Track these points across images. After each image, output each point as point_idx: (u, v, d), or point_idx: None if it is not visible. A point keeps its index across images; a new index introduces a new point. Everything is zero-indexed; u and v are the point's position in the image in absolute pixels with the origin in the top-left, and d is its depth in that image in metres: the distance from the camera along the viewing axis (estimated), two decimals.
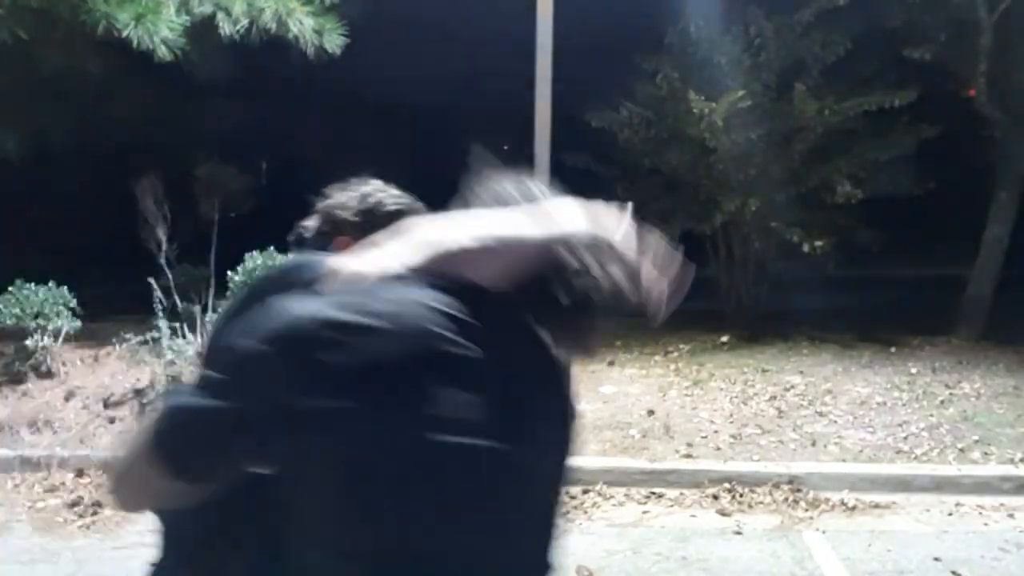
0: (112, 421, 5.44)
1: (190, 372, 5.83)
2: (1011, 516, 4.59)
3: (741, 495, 4.77)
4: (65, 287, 6.12)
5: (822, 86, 7.19)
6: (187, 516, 1.10)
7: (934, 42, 7.01)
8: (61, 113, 7.31)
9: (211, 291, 6.47)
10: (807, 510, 4.63)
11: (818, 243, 6.97)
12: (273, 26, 5.97)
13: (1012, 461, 5.05)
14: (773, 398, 6.00)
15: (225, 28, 5.91)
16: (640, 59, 7.63)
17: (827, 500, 4.72)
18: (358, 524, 0.96)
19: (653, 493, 4.85)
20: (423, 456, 0.95)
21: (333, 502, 0.96)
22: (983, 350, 7.12)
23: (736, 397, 6.04)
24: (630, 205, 1.09)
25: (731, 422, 5.62)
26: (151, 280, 5.98)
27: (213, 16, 5.88)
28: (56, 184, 10.09)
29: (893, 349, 7.12)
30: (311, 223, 1.59)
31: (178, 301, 6.26)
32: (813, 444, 5.30)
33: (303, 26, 6.02)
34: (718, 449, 5.24)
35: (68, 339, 6.21)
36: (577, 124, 7.66)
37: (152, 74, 6.59)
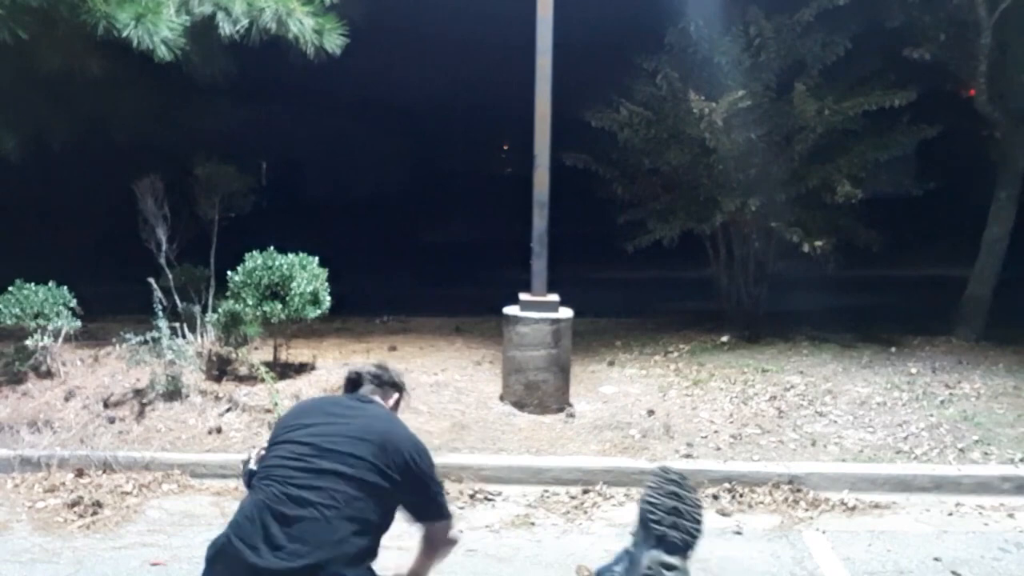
0: (112, 421, 5.44)
1: (190, 372, 5.85)
2: (1011, 516, 4.60)
3: (741, 495, 4.78)
4: (65, 287, 6.11)
5: (822, 86, 7.18)
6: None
7: (934, 42, 7.00)
8: (61, 113, 7.30)
9: (211, 291, 6.47)
10: (807, 510, 4.63)
11: (818, 243, 6.96)
12: (273, 26, 5.96)
13: (1012, 461, 5.05)
14: (773, 398, 6.00)
15: (225, 28, 5.90)
16: (640, 59, 7.62)
17: (827, 500, 4.73)
18: None
19: None
20: None
21: None
22: (983, 350, 7.12)
23: (736, 397, 6.04)
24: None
25: (731, 422, 5.62)
26: (151, 280, 5.98)
27: (213, 16, 5.87)
28: (56, 184, 10.08)
29: (893, 349, 7.12)
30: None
31: (178, 301, 6.27)
32: (813, 444, 5.30)
33: (303, 26, 6.02)
34: (718, 449, 5.24)
35: (68, 339, 6.21)
36: (577, 124, 7.65)
37: (152, 74, 6.58)
